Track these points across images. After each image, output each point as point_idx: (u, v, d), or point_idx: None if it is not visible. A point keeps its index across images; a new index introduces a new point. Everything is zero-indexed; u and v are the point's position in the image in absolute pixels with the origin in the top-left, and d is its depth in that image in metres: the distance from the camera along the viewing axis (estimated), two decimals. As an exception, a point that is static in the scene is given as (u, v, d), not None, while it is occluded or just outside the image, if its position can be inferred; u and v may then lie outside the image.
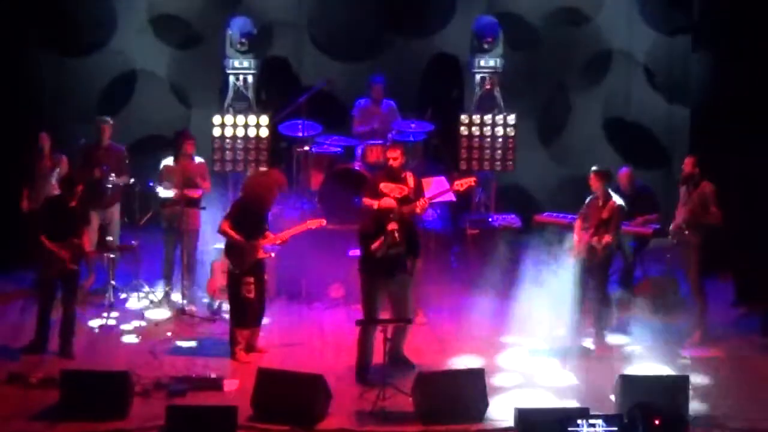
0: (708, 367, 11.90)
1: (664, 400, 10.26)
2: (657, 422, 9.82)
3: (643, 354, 12.24)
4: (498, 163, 15.02)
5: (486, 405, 10.62)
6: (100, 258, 13.92)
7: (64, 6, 15.87)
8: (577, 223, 12.61)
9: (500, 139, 15.00)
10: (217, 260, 13.11)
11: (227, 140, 14.77)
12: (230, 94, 14.91)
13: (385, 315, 11.57)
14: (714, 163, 12.88)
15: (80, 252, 11.92)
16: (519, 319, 13.14)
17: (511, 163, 15.08)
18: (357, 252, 11.94)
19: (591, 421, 9.62)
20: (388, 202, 11.58)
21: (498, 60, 14.97)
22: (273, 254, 12.18)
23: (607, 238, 12.25)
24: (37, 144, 13.74)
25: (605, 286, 12.60)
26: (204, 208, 13.50)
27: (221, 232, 12.01)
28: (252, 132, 14.79)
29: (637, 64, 16.52)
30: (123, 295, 13.62)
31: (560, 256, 13.92)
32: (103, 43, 16.11)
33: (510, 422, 10.29)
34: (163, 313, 13.38)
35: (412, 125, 14.99)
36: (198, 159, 13.76)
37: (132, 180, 13.94)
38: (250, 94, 14.91)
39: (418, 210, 12.76)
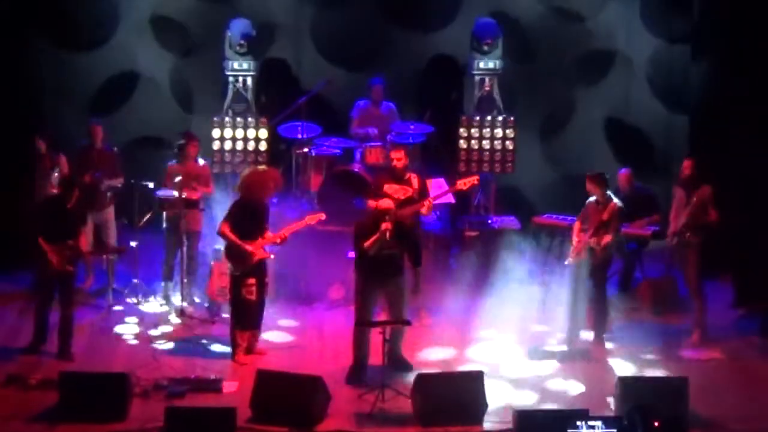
0: (707, 369, 11.90)
1: (663, 402, 10.26)
2: (656, 424, 9.81)
3: (643, 356, 12.24)
4: (497, 165, 15.01)
5: (485, 407, 10.62)
6: (99, 260, 13.94)
7: (65, 3, 15.88)
8: (576, 225, 12.62)
9: (499, 141, 14.99)
10: (217, 261, 13.11)
11: (227, 141, 14.78)
12: (229, 95, 14.91)
13: (382, 316, 11.59)
14: (713, 164, 12.90)
15: (77, 253, 11.91)
16: (518, 321, 13.16)
17: (510, 165, 15.08)
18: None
19: (590, 423, 9.61)
20: (387, 203, 11.58)
21: (497, 62, 14.96)
22: (272, 255, 12.18)
23: (606, 240, 12.26)
24: (34, 145, 13.74)
25: (604, 287, 12.60)
26: (203, 210, 13.51)
27: (220, 234, 12.01)
28: (251, 134, 14.79)
29: (637, 68, 16.50)
30: (133, 301, 13.59)
31: (559, 257, 13.96)
32: (103, 41, 16.09)
33: (509, 424, 10.28)
34: (163, 315, 13.37)
35: (412, 127, 14.99)
36: (201, 161, 13.79)
37: (122, 182, 13.93)
38: (250, 95, 14.91)
39: (423, 211, 12.81)
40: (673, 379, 10.89)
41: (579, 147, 16.49)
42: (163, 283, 13.75)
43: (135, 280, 13.79)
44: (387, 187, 12.92)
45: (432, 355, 12.30)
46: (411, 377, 11.05)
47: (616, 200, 12.42)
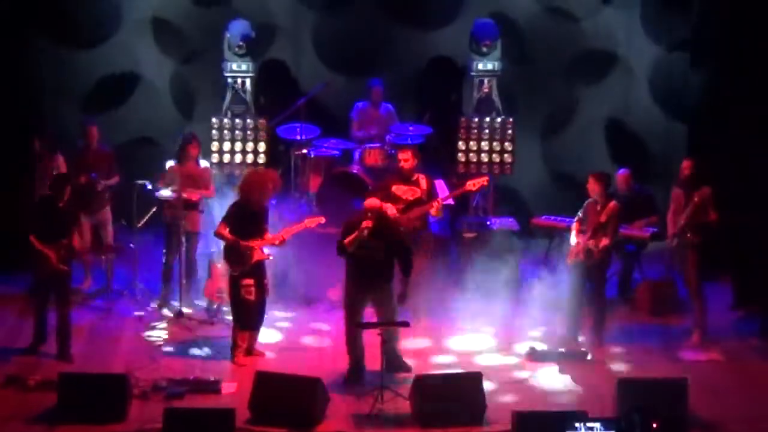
0: (707, 370, 11.90)
1: (662, 403, 10.26)
2: (655, 425, 9.81)
3: (642, 357, 12.24)
4: (496, 166, 15.01)
5: (484, 408, 10.62)
6: (97, 261, 13.93)
7: (65, 2, 15.89)
8: (575, 226, 12.61)
9: (498, 143, 14.98)
10: (216, 263, 13.10)
11: (225, 142, 14.78)
12: (228, 97, 14.91)
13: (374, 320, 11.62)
14: (712, 165, 12.91)
15: (70, 253, 11.89)
16: (516, 322, 13.17)
17: (509, 166, 15.07)
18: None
19: (589, 425, 9.60)
20: (373, 202, 11.54)
21: (497, 63, 14.95)
22: (271, 257, 12.17)
23: (604, 241, 12.26)
24: (33, 146, 13.75)
25: (603, 288, 12.61)
26: (202, 212, 13.50)
27: (217, 234, 12.01)
28: (250, 135, 14.79)
29: (637, 70, 16.50)
30: (132, 302, 13.58)
31: (557, 259, 13.97)
32: (103, 41, 16.09)
33: (508, 426, 10.28)
34: (162, 316, 13.37)
35: (411, 128, 14.99)
36: (204, 163, 13.80)
37: (118, 181, 13.93)
38: (249, 97, 14.91)
39: (433, 212, 12.82)
40: (673, 380, 10.87)
41: (578, 149, 16.49)
42: (162, 284, 13.73)
43: (134, 282, 13.78)
44: (395, 188, 12.92)
45: (430, 357, 12.29)
46: (410, 379, 11.05)
47: (614, 202, 12.42)
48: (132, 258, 13.75)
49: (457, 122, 15.08)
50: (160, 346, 12.45)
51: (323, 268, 13.34)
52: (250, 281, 11.86)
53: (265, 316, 12.26)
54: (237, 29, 14.75)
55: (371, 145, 14.79)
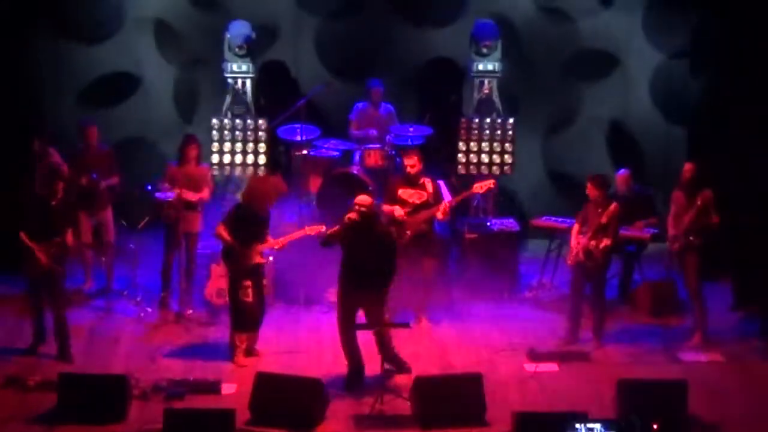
0: (707, 371, 11.89)
1: (662, 405, 10.25)
2: (655, 427, 9.81)
3: (642, 358, 12.23)
4: (496, 167, 15.00)
5: (484, 409, 10.62)
6: (98, 261, 13.93)
7: (65, 2, 15.90)
8: (575, 227, 12.61)
9: (498, 144, 14.98)
10: (215, 263, 13.10)
11: (225, 143, 14.77)
12: (229, 97, 14.90)
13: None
14: (712, 166, 12.91)
15: (64, 251, 11.87)
16: (516, 323, 13.17)
17: (509, 167, 15.06)
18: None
19: (589, 426, 9.60)
20: (363, 199, 11.50)
21: (497, 64, 14.93)
22: (271, 258, 12.16)
23: (605, 242, 12.25)
24: (33, 146, 13.75)
25: (603, 290, 12.60)
26: (201, 212, 13.49)
27: (215, 234, 12.01)
28: (250, 136, 14.78)
29: (637, 72, 16.48)
30: (132, 302, 13.57)
31: (557, 260, 13.97)
32: (104, 40, 16.08)
33: (508, 426, 10.28)
34: (162, 316, 13.36)
35: (411, 129, 14.99)
36: (204, 165, 13.79)
37: (118, 180, 13.92)
38: (249, 98, 14.90)
39: (439, 215, 12.82)
40: (673, 381, 10.88)
41: (578, 150, 16.47)
42: (162, 285, 13.72)
43: (134, 283, 13.78)
44: (401, 192, 12.95)
45: (431, 358, 12.28)
46: (410, 380, 11.04)
47: (614, 203, 12.41)
48: (132, 258, 13.74)
49: (457, 123, 15.07)
50: (160, 346, 12.44)
51: (323, 269, 13.33)
52: (248, 282, 11.86)
53: (265, 316, 12.26)
54: (237, 30, 14.74)
55: (371, 145, 14.79)
